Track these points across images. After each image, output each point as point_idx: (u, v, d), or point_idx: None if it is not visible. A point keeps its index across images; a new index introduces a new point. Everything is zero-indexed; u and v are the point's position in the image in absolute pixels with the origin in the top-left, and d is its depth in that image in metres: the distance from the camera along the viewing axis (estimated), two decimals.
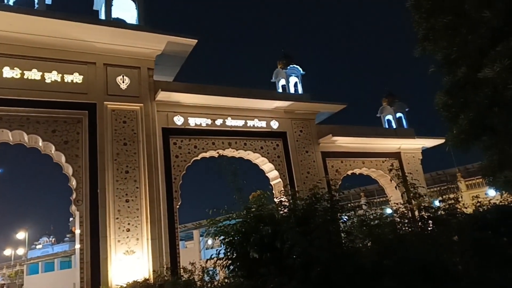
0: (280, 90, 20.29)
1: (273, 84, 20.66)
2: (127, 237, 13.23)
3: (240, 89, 18.03)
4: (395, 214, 8.04)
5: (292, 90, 19.93)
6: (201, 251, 31.89)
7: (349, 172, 20.42)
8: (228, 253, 6.18)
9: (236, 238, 6.17)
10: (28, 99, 13.25)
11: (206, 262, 6.92)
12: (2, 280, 52.32)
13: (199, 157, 16.54)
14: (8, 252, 62.45)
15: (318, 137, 19.02)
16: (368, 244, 7.02)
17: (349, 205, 7.27)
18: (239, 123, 17.47)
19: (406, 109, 23.58)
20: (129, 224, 13.36)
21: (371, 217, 7.39)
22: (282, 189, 16.84)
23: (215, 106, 16.96)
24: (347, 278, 5.41)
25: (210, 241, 34.76)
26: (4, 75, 13.16)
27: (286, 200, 7.03)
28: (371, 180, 22.85)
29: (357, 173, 21.12)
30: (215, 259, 6.34)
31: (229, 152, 17.26)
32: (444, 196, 8.53)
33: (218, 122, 17.01)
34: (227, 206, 6.54)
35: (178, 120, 16.17)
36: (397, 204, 8.61)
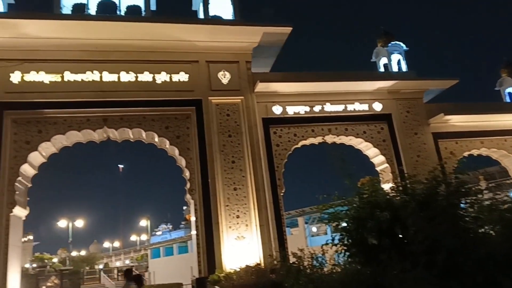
0: (381, 69, 19.22)
1: (374, 64, 19.58)
2: (237, 223, 13.86)
3: (337, 73, 17.52)
4: None
5: (395, 69, 18.71)
6: (306, 238, 32.09)
7: (466, 154, 18.49)
8: (343, 240, 6.07)
9: (350, 224, 6.03)
10: (143, 99, 14.59)
11: (322, 247, 6.87)
12: (130, 262, 59.12)
13: (299, 145, 16.53)
14: (133, 238, 70.53)
15: (428, 117, 17.53)
16: (492, 231, 6.29)
17: (470, 189, 6.57)
18: (339, 108, 16.97)
19: None
20: (238, 211, 14.00)
21: (501, 200, 6.60)
22: (391, 174, 16.06)
23: (312, 93, 16.73)
24: (478, 265, 4.92)
25: (314, 229, 34.75)
26: (122, 79, 14.64)
27: (399, 184, 6.61)
28: (492, 161, 20.45)
29: (475, 154, 19.04)
30: (330, 245, 6.27)
31: (330, 139, 16.91)
32: None
33: (317, 108, 16.74)
34: (337, 192, 6.41)
35: (277, 110, 16.33)
36: None
